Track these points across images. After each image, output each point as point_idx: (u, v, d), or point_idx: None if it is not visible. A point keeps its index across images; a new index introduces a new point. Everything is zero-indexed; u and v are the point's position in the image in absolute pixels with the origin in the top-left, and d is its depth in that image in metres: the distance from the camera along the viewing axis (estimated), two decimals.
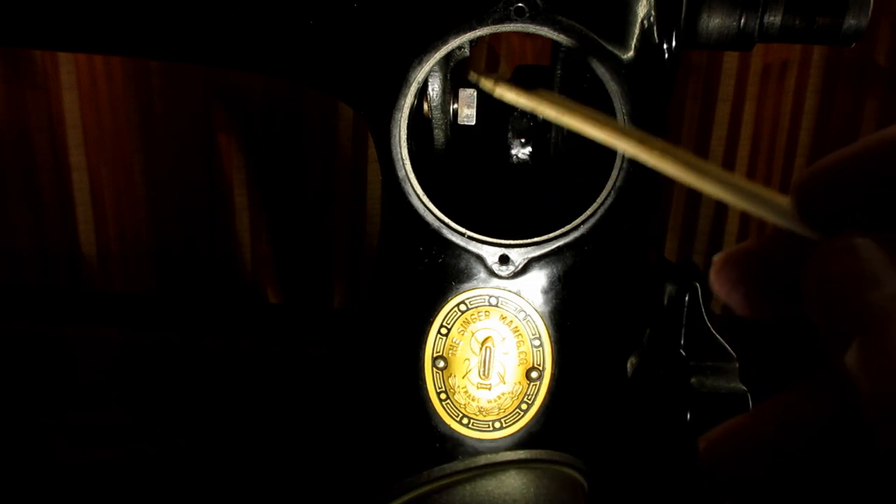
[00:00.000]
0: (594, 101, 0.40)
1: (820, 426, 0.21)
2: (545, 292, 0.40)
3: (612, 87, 0.38)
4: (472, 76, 0.38)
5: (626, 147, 0.29)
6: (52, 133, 0.87)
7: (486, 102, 0.42)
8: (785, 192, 0.22)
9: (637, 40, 0.38)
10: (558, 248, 0.40)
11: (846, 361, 0.18)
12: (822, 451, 0.21)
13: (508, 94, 0.34)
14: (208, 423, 0.64)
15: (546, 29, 0.37)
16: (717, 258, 0.23)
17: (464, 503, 0.40)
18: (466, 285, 0.40)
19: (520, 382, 0.41)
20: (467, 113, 0.42)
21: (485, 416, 0.41)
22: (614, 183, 0.39)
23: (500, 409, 0.41)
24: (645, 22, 0.38)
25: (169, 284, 0.95)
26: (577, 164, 0.43)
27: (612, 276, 0.42)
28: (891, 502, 0.18)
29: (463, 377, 0.41)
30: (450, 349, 0.41)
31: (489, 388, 0.41)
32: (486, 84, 0.34)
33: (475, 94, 0.41)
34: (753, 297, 0.22)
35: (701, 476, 0.22)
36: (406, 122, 0.39)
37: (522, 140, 0.43)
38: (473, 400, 0.41)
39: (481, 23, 0.37)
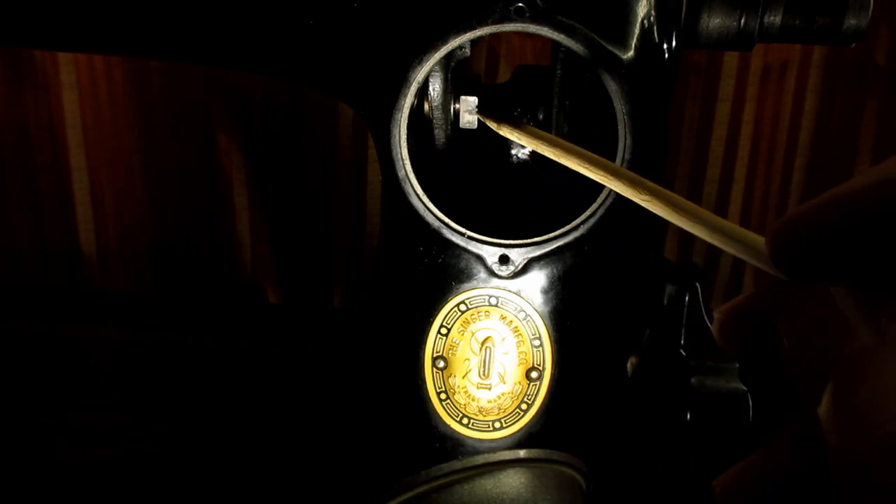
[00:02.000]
0: (594, 102, 0.40)
1: (792, 479, 0.20)
2: (545, 292, 0.40)
3: (612, 87, 0.38)
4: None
5: (618, 188, 0.30)
6: (52, 133, 0.87)
7: (487, 105, 0.42)
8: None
9: (637, 40, 0.38)
10: (558, 248, 0.40)
11: (818, 412, 0.18)
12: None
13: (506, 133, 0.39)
14: (208, 423, 0.64)
15: (546, 29, 0.37)
16: (717, 314, 0.23)
17: (462, 503, 0.40)
18: (466, 285, 0.40)
19: (520, 382, 0.41)
20: (469, 119, 0.41)
21: (485, 416, 0.41)
22: None
23: (499, 409, 0.41)
24: (645, 22, 0.38)
25: (169, 284, 0.95)
26: None
27: (612, 276, 0.42)
28: None
29: (463, 377, 0.41)
30: (450, 349, 0.41)
31: (489, 388, 0.41)
32: (491, 124, 0.40)
33: (476, 101, 0.41)
34: (756, 349, 0.22)
35: None
36: (406, 122, 0.39)
37: None
38: (473, 400, 0.41)
39: (481, 23, 0.37)
